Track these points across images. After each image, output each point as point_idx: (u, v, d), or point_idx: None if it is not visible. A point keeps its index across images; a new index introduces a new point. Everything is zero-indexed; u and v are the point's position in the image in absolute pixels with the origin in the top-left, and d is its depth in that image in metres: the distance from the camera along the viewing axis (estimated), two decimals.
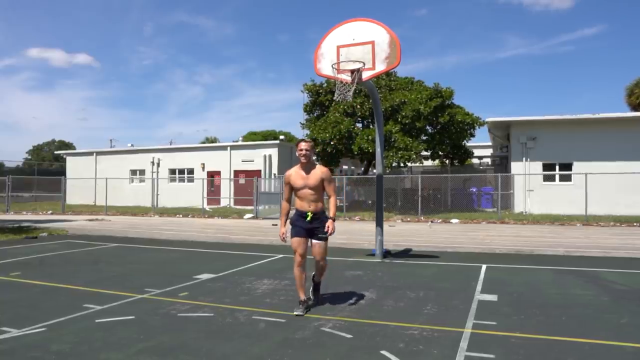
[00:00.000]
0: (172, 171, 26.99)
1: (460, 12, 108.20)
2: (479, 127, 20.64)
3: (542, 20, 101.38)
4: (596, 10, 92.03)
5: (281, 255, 8.63)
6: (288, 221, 5.01)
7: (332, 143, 19.04)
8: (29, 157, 57.23)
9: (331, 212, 4.74)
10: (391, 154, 18.21)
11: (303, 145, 4.84)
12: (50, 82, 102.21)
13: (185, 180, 26.50)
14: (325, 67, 8.06)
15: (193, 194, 23.47)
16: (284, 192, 5.02)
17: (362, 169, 24.02)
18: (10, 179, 22.77)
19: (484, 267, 7.43)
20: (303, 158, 4.81)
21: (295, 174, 4.87)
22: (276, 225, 14.10)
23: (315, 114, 21.59)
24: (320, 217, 4.81)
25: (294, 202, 4.96)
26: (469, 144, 22.67)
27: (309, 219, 4.76)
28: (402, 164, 20.19)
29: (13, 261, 7.99)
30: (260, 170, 24.45)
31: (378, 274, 6.94)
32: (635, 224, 14.30)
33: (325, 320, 4.42)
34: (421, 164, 24.04)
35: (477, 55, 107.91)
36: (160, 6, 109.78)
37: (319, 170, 4.85)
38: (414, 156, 18.54)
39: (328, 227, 4.69)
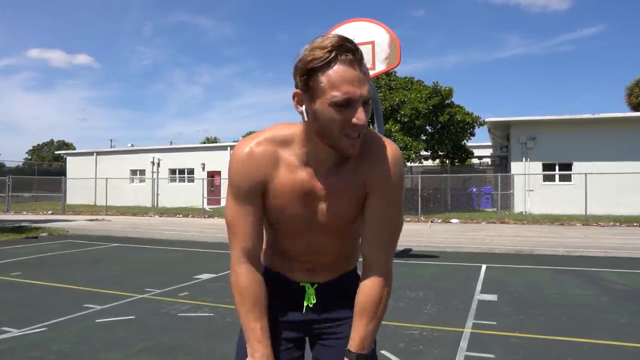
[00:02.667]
0: (172, 171, 26.99)
1: (459, 12, 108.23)
2: (478, 127, 20.65)
3: (541, 21, 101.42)
4: (594, 11, 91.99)
5: None
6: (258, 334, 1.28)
7: None
8: (29, 157, 57.23)
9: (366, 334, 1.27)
10: None
11: (351, 73, 1.10)
12: (50, 82, 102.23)
13: (185, 180, 26.50)
14: None
15: (193, 194, 23.45)
16: (237, 227, 1.27)
17: None
18: (11, 179, 22.76)
19: (483, 267, 7.44)
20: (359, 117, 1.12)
21: (288, 171, 1.24)
22: None
23: None
24: (344, 285, 1.39)
25: (266, 247, 1.42)
26: (469, 144, 22.68)
27: (311, 302, 1.38)
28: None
29: (13, 261, 7.99)
30: None
31: None
32: (635, 224, 14.31)
33: None
34: (421, 164, 24.05)
35: (476, 55, 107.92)
36: (160, 6, 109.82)
37: (378, 162, 1.24)
38: (414, 155, 18.54)
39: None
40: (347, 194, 1.25)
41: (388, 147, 1.25)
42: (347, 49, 1.11)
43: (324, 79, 1.10)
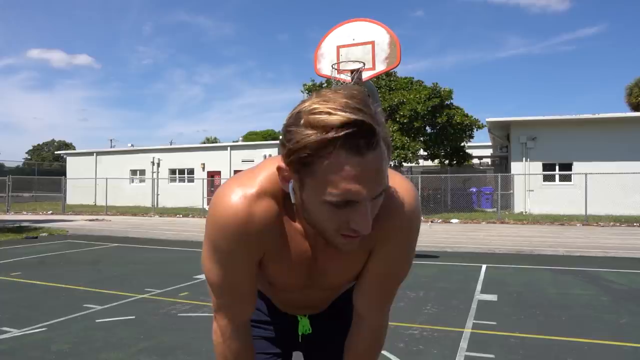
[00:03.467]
0: (172, 171, 26.96)
1: (458, 12, 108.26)
2: (477, 130, 20.69)
3: (541, 21, 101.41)
4: (593, 12, 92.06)
5: None
6: None
7: None
8: (29, 157, 57.21)
9: None
10: None
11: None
12: (50, 82, 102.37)
13: (186, 180, 26.49)
14: (325, 67, 8.06)
15: (193, 194, 23.47)
16: (225, 294, 1.07)
17: None
18: (11, 179, 22.75)
19: (484, 267, 7.43)
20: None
21: (291, 238, 1.02)
22: None
23: None
24: (336, 306, 1.31)
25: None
26: (468, 144, 22.69)
27: (305, 329, 1.32)
28: (398, 164, 20.24)
29: (13, 261, 7.99)
30: None
31: None
32: (635, 224, 14.30)
33: None
34: (418, 164, 24.07)
35: (476, 55, 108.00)
36: (160, 6, 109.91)
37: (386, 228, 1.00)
38: (411, 155, 18.57)
39: None
40: (353, 259, 1.07)
41: (402, 198, 1.00)
42: (358, 131, 0.78)
43: (318, 169, 0.81)
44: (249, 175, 1.00)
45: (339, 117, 0.77)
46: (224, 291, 1.06)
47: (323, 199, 0.83)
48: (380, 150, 0.81)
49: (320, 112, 0.78)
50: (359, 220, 0.85)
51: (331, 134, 0.77)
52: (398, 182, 1.01)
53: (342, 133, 0.77)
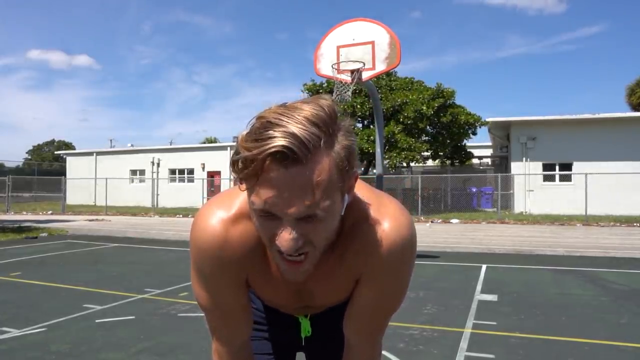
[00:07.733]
0: (172, 171, 26.97)
1: (457, 13, 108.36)
2: (480, 127, 20.73)
3: (540, 21, 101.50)
4: (590, 14, 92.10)
5: None
6: None
7: None
8: (29, 157, 57.20)
9: None
10: (394, 154, 18.29)
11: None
12: (50, 82, 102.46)
13: (185, 181, 26.50)
14: (325, 67, 8.06)
15: (193, 194, 23.47)
16: (218, 318, 1.10)
17: (362, 168, 24.04)
18: (10, 179, 22.74)
19: (484, 267, 7.43)
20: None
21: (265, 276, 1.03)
22: None
23: None
24: (340, 309, 1.15)
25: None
26: (469, 144, 22.72)
27: (307, 332, 1.29)
28: (405, 164, 20.28)
29: (13, 261, 7.99)
30: None
31: None
32: (635, 224, 14.30)
33: None
34: (423, 164, 24.07)
35: (476, 54, 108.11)
36: (159, 5, 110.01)
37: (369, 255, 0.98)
38: (418, 157, 18.63)
39: None
40: (338, 285, 1.04)
41: (393, 230, 0.96)
42: (290, 145, 0.75)
43: (250, 175, 0.79)
44: (230, 195, 0.99)
45: (278, 129, 0.76)
46: (215, 314, 1.07)
47: (252, 206, 0.83)
48: (310, 167, 0.77)
49: (267, 122, 0.78)
50: (281, 238, 0.83)
51: (265, 144, 0.76)
52: (392, 213, 0.98)
53: (273, 144, 0.75)
